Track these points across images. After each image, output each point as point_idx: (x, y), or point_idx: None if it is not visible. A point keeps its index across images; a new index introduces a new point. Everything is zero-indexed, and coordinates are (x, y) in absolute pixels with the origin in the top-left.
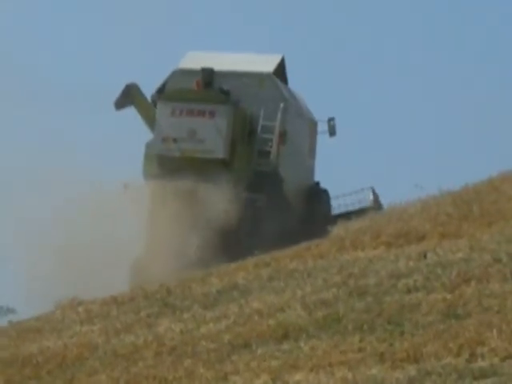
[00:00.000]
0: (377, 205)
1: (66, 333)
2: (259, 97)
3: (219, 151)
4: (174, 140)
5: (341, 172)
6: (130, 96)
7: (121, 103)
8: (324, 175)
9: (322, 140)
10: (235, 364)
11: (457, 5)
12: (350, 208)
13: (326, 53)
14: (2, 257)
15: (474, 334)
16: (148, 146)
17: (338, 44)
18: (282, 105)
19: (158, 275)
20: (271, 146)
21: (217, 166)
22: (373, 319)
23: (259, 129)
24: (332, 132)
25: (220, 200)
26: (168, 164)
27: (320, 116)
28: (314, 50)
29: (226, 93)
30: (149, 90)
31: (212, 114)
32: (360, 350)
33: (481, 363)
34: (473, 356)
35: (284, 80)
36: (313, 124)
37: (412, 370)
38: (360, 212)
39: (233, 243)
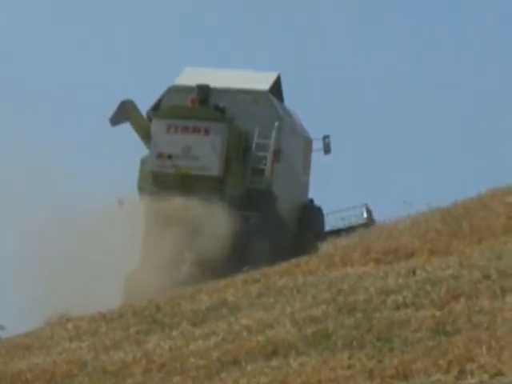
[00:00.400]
0: (371, 221)
1: (55, 349)
2: (254, 114)
3: (213, 168)
4: (169, 156)
5: (333, 189)
6: (125, 112)
7: (116, 119)
8: (318, 192)
9: (317, 157)
10: (224, 381)
11: (452, 20)
12: (345, 224)
13: (322, 71)
14: None
15: (463, 350)
16: (143, 162)
17: (334, 63)
18: (276, 123)
19: (152, 291)
20: (265, 164)
21: (211, 183)
22: (362, 336)
23: (254, 146)
24: (327, 150)
25: (213, 217)
26: (162, 180)
27: (315, 134)
28: (310, 68)
29: (222, 110)
30: (145, 106)
31: (207, 131)
32: (349, 366)
33: (470, 380)
34: (462, 373)
35: (280, 98)
36: (308, 142)
37: None
38: (354, 229)
39: (226, 260)
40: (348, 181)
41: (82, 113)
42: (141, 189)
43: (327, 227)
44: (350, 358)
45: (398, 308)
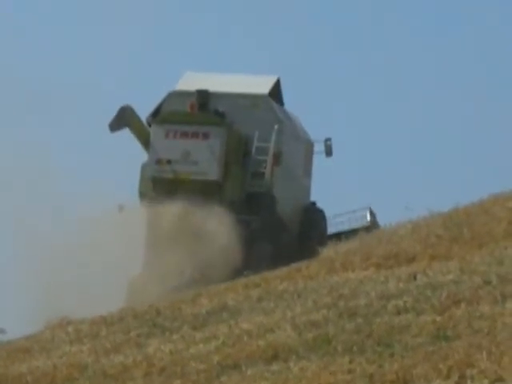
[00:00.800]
0: (374, 224)
1: (56, 352)
2: (254, 118)
3: (212, 173)
4: (168, 162)
5: (335, 192)
6: (124, 118)
7: (116, 125)
8: (320, 195)
9: (319, 160)
10: None
11: (454, 21)
12: (348, 227)
13: (322, 74)
14: None
15: (463, 356)
16: (143, 167)
17: (334, 65)
18: (276, 126)
19: (154, 296)
20: (265, 168)
21: (210, 188)
22: (363, 340)
23: (253, 150)
24: (328, 152)
25: (214, 222)
26: (162, 186)
27: (316, 137)
28: (309, 71)
29: (221, 115)
30: (145, 112)
31: (206, 136)
32: (350, 371)
33: None
34: (462, 378)
35: (280, 101)
36: (309, 144)
37: None
38: (357, 232)
39: (227, 265)
40: (349, 184)
41: (82, 116)
42: (142, 194)
43: (330, 230)
44: (350, 362)
45: (398, 313)
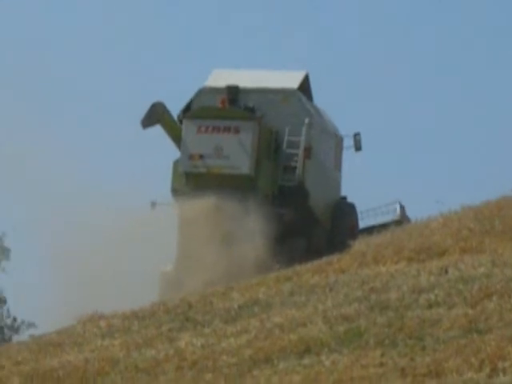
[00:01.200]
0: (404, 218)
1: (87, 347)
2: (284, 113)
3: (245, 167)
4: (201, 157)
5: (365, 187)
6: (156, 115)
7: (147, 122)
8: (350, 190)
9: (347, 155)
10: (256, 379)
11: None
12: (378, 222)
13: (349, 69)
14: (23, 271)
15: (495, 348)
16: (175, 164)
17: (361, 60)
18: (306, 120)
19: (187, 290)
20: (297, 161)
21: (243, 182)
22: (394, 334)
23: (284, 144)
24: (358, 147)
25: (247, 216)
26: (195, 181)
27: (345, 132)
28: (338, 66)
29: (251, 109)
30: (175, 110)
31: (237, 131)
32: (381, 364)
33: (502, 378)
34: (494, 371)
35: (309, 96)
36: (338, 139)
37: None
38: (388, 226)
39: (260, 258)
40: (380, 179)
41: (111, 112)
42: (174, 190)
43: (360, 225)
44: (382, 356)
45: (430, 306)
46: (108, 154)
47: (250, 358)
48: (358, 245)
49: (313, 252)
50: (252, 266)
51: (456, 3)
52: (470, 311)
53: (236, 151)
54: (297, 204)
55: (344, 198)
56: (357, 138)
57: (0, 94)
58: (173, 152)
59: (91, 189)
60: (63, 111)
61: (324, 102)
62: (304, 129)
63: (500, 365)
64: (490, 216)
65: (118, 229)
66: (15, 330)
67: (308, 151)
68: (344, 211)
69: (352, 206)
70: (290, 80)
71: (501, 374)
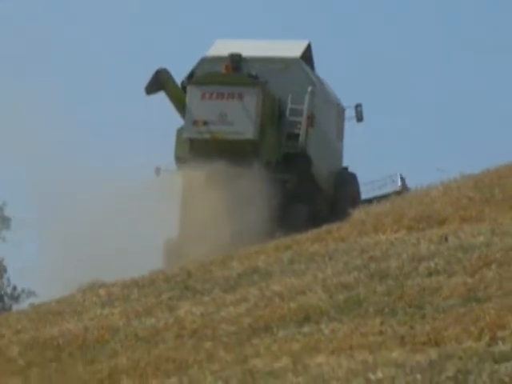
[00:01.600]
0: (405, 189)
1: (87, 315)
2: (287, 81)
3: (249, 132)
4: (205, 123)
5: (366, 157)
6: (160, 81)
7: (151, 88)
8: (352, 161)
9: (349, 126)
10: (256, 347)
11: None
12: (379, 193)
13: (351, 41)
14: (23, 240)
15: (494, 317)
16: (179, 131)
17: (362, 32)
18: (309, 88)
19: (191, 257)
20: (299, 129)
21: (247, 147)
22: (394, 302)
23: (287, 112)
24: (359, 118)
25: (251, 181)
26: (199, 147)
27: (346, 103)
28: (339, 36)
29: (255, 77)
30: (177, 79)
31: (241, 97)
32: (381, 333)
33: (501, 347)
34: (493, 339)
35: (311, 66)
36: (340, 109)
37: (433, 354)
38: (388, 197)
39: (264, 224)
40: (380, 149)
41: (113, 82)
42: (178, 158)
43: (362, 197)
44: (381, 324)
45: (429, 275)
46: (112, 122)
47: (250, 326)
48: (358, 213)
49: (315, 219)
50: (256, 233)
51: None
52: (470, 280)
53: (240, 117)
54: (300, 171)
55: (345, 169)
56: (358, 109)
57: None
58: (176, 120)
59: (93, 155)
60: (66, 77)
61: (326, 72)
62: (307, 97)
63: (499, 334)
64: (489, 184)
65: (121, 196)
66: (15, 298)
67: (311, 119)
68: (346, 180)
69: (354, 176)
70: (293, 49)
71: (500, 343)
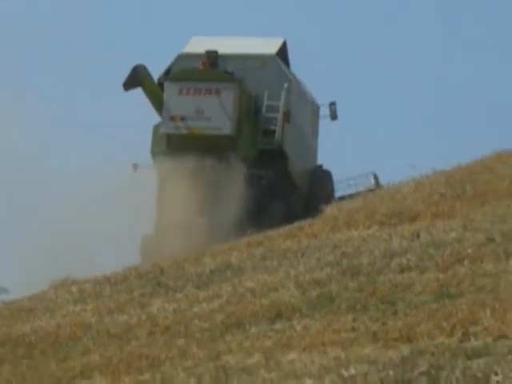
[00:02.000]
0: (378, 188)
1: (59, 312)
2: (263, 78)
3: (226, 128)
4: (182, 118)
5: (338, 154)
6: (137, 77)
7: (129, 84)
8: (325, 159)
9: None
10: (228, 343)
11: None
12: (353, 191)
13: (324, 38)
14: None
15: (467, 313)
16: (155, 127)
17: (335, 29)
18: (285, 85)
19: (168, 253)
20: (276, 125)
21: (224, 143)
22: (366, 298)
23: (264, 108)
24: (333, 116)
25: (227, 177)
26: (176, 142)
27: (320, 101)
28: (312, 35)
29: (231, 73)
30: (153, 75)
31: (218, 93)
32: (353, 329)
33: (474, 343)
34: (466, 335)
35: (286, 63)
36: (315, 107)
37: (405, 350)
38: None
39: (240, 221)
40: (352, 146)
41: (89, 76)
42: (154, 154)
43: (336, 194)
44: (353, 320)
45: (401, 271)
46: (87, 118)
47: (222, 322)
48: (330, 209)
49: (290, 217)
50: (231, 229)
51: None
52: (442, 276)
53: (217, 112)
54: (276, 167)
55: (320, 167)
56: (332, 107)
57: None
58: (153, 117)
59: (68, 151)
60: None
61: (300, 70)
62: (283, 93)
63: (471, 329)
64: (461, 181)
65: (98, 192)
66: None
67: (287, 115)
68: (321, 178)
69: (328, 174)
70: (268, 46)
71: (472, 339)
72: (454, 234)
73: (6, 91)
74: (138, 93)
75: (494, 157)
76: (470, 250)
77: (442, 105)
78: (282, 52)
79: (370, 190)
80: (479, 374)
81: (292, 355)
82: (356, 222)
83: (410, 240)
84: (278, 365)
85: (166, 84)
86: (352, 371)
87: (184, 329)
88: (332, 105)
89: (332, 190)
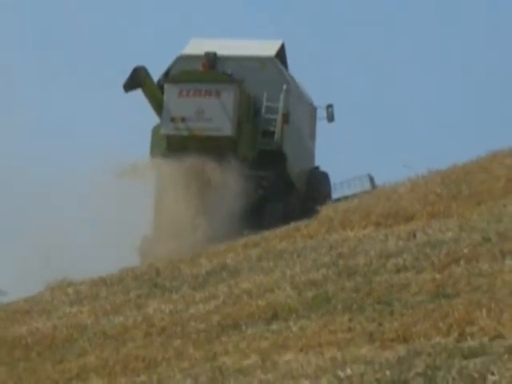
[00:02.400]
0: (374, 189)
1: (56, 314)
2: (262, 80)
3: (227, 129)
4: (183, 119)
5: (334, 155)
6: (138, 79)
7: (129, 86)
8: (322, 160)
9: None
10: (224, 344)
11: None
12: (349, 192)
13: (322, 41)
14: None
15: (463, 313)
16: (155, 129)
17: (332, 32)
18: (284, 86)
19: (166, 254)
20: (275, 126)
21: (225, 144)
22: (362, 299)
23: (263, 110)
24: (330, 118)
25: (227, 178)
26: (176, 144)
27: (317, 103)
28: (310, 37)
29: (230, 75)
30: (153, 76)
31: (218, 94)
32: (349, 329)
33: (470, 343)
34: (462, 335)
35: (284, 65)
36: (312, 108)
37: (401, 350)
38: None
39: (239, 221)
40: (348, 146)
41: (92, 92)
42: (154, 155)
43: (333, 196)
44: (350, 321)
45: (398, 271)
46: (88, 118)
47: (218, 323)
48: (326, 210)
49: (288, 218)
50: (230, 230)
51: None
52: (438, 276)
53: (218, 114)
54: (275, 168)
55: (317, 168)
56: (329, 109)
57: None
58: (151, 118)
59: (67, 152)
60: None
61: (297, 72)
62: (282, 95)
63: (468, 329)
64: (456, 180)
65: (97, 193)
66: None
67: (286, 117)
68: (318, 179)
69: (326, 175)
70: (267, 48)
71: (469, 339)
72: (450, 234)
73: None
74: (138, 94)
75: (489, 157)
76: (466, 250)
77: (438, 105)
78: (281, 54)
79: (366, 192)
80: (476, 374)
81: (288, 356)
82: (352, 222)
83: (406, 240)
84: (275, 366)
85: (166, 86)
86: (348, 372)
87: (180, 330)
88: (329, 107)
89: (329, 192)
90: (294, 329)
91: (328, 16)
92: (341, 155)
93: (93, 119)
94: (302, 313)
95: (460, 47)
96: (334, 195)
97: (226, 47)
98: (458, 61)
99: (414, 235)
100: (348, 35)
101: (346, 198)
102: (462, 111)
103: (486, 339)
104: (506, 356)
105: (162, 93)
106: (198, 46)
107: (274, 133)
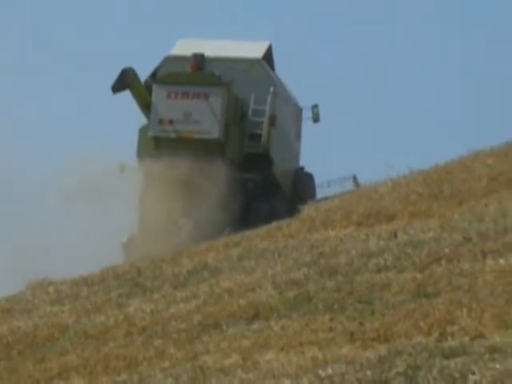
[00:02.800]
0: (357, 188)
1: (37, 313)
2: (249, 82)
3: (214, 131)
4: (171, 121)
5: (317, 154)
6: (126, 80)
7: (117, 87)
8: (306, 160)
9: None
10: (205, 344)
11: None
12: (333, 193)
13: (306, 41)
14: None
15: (444, 313)
16: (142, 130)
17: (316, 33)
18: (272, 88)
19: (151, 254)
20: (262, 129)
21: (213, 147)
22: (343, 298)
23: (250, 112)
24: (316, 119)
25: (214, 180)
26: (164, 146)
27: (302, 103)
28: (295, 39)
29: (218, 77)
30: (141, 77)
31: (206, 96)
32: (330, 329)
33: (451, 342)
34: (443, 335)
35: (271, 67)
36: (298, 109)
37: (382, 350)
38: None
39: (225, 223)
40: (331, 146)
41: (80, 93)
42: (141, 157)
43: (318, 196)
44: (331, 320)
45: (379, 271)
46: (77, 116)
47: (199, 323)
48: (308, 210)
49: (274, 219)
50: (215, 231)
51: None
52: (419, 275)
53: (205, 116)
54: (261, 171)
55: (302, 169)
56: (314, 109)
57: None
58: (139, 118)
59: (55, 152)
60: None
61: (283, 72)
62: (269, 97)
63: (449, 329)
64: (438, 180)
65: (83, 192)
66: None
67: (273, 119)
68: (303, 180)
69: (310, 176)
70: (254, 50)
71: (449, 338)
72: (431, 234)
73: None
74: (126, 95)
75: (471, 156)
76: (447, 250)
77: (420, 105)
78: (268, 55)
79: (349, 192)
80: (457, 374)
81: (269, 355)
82: (333, 222)
83: (388, 240)
84: (256, 365)
85: (154, 87)
86: (329, 371)
87: (161, 329)
88: (314, 107)
89: (314, 192)
90: (275, 328)
91: (314, 15)
92: (324, 156)
93: (81, 118)
94: (283, 312)
95: (442, 47)
96: (319, 195)
97: (213, 48)
98: (440, 61)
99: (395, 235)
100: (333, 36)
101: (328, 198)
102: (443, 111)
103: (466, 339)
104: (486, 356)
105: (150, 93)
106: (185, 47)
107: (260, 136)
